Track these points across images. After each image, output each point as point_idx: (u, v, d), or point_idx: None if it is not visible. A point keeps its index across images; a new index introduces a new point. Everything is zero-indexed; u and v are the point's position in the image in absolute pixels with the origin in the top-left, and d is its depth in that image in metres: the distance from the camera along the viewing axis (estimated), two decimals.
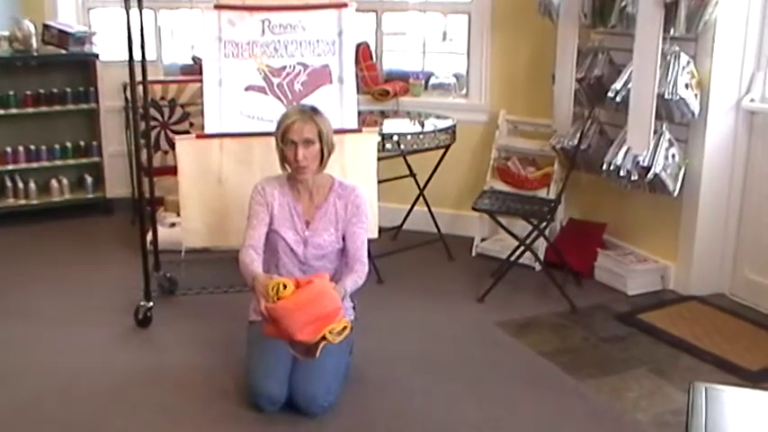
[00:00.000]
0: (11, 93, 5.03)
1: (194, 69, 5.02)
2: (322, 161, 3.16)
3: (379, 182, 3.86)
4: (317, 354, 2.79)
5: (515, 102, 4.83)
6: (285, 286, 2.79)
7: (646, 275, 4.20)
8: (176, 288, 4.06)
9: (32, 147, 5.16)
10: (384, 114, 4.90)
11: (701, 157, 3.95)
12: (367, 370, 3.30)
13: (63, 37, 5.08)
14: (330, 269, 3.21)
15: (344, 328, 2.82)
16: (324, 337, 2.75)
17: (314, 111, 3.14)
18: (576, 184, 4.59)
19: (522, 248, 4.20)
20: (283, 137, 3.10)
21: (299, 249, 3.19)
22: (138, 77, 3.70)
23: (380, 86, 5.04)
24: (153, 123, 4.74)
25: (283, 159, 3.17)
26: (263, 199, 3.18)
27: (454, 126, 4.56)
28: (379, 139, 3.99)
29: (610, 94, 3.96)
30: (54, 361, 3.41)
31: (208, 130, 3.73)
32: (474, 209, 4.26)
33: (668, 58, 3.78)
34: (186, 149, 3.70)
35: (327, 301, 2.81)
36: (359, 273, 3.11)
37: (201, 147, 3.70)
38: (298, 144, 3.06)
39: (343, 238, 3.21)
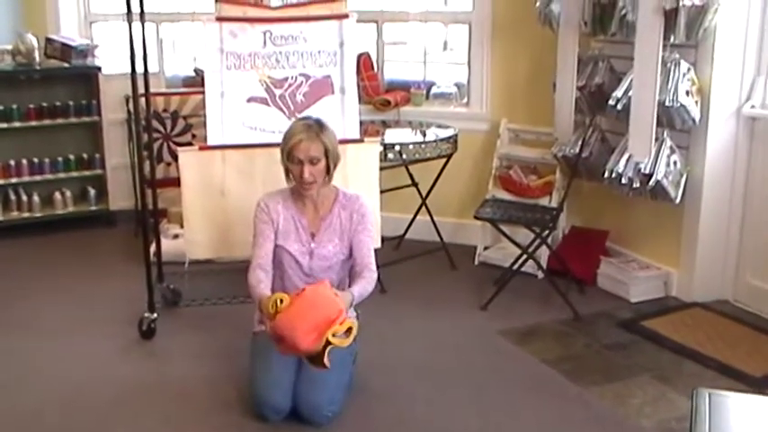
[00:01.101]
0: (14, 106, 5.05)
1: (196, 81, 5.04)
2: (328, 174, 3.15)
3: (382, 191, 3.87)
4: (325, 359, 2.74)
5: (516, 110, 4.84)
6: (282, 301, 2.78)
7: (648, 282, 4.20)
8: (180, 299, 4.06)
9: (36, 159, 5.17)
10: (386, 124, 4.91)
11: (703, 163, 3.96)
12: (370, 378, 3.30)
13: (65, 50, 5.11)
14: (335, 281, 3.19)
15: (350, 329, 2.78)
16: (329, 342, 2.72)
17: (320, 126, 3.11)
18: (578, 191, 4.59)
19: (524, 257, 4.20)
20: (289, 155, 3.08)
21: (305, 261, 3.18)
22: (141, 90, 3.72)
23: (382, 96, 5.05)
24: (155, 135, 4.75)
25: (288, 173, 3.18)
26: (267, 216, 3.18)
27: (456, 135, 4.57)
28: (381, 148, 4.00)
29: (611, 102, 3.97)
30: (56, 372, 3.41)
31: (210, 142, 3.73)
32: (476, 217, 4.27)
33: (668, 65, 3.79)
34: (189, 161, 3.71)
35: (323, 303, 2.77)
36: (367, 279, 3.10)
37: (204, 158, 3.71)
38: (304, 162, 3.06)
39: (350, 249, 3.20)
